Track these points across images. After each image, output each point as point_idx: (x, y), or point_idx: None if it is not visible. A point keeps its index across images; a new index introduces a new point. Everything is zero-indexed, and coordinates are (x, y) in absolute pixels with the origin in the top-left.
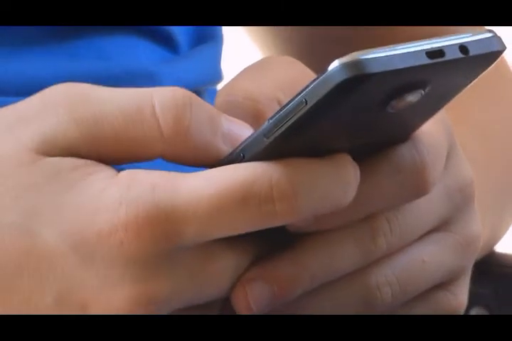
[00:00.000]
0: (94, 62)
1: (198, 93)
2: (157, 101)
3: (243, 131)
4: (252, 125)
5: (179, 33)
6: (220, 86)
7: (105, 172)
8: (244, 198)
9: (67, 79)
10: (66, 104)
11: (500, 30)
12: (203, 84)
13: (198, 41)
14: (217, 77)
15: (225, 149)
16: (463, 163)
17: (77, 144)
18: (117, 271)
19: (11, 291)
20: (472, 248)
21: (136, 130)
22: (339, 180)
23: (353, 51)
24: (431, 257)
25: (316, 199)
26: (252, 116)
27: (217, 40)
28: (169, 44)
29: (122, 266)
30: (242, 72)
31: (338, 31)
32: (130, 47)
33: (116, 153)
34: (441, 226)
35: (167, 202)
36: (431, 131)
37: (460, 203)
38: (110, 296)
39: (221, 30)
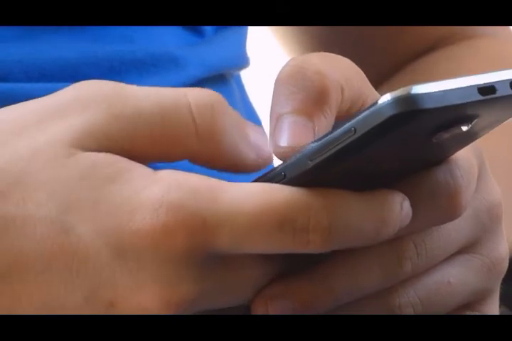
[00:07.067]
0: (119, 44)
1: (224, 78)
2: (192, 100)
3: (265, 142)
4: (313, 101)
5: None
6: (246, 71)
7: (143, 169)
8: (281, 223)
9: (92, 62)
10: (102, 99)
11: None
12: (229, 68)
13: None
14: (243, 61)
15: (252, 157)
16: (491, 184)
17: (112, 140)
18: (149, 272)
19: (38, 286)
20: (498, 269)
21: (172, 127)
22: (374, 220)
23: (369, 49)
24: (457, 279)
25: (349, 235)
26: (318, 91)
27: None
28: (194, 27)
29: (155, 267)
30: (311, 54)
31: (358, 29)
32: (155, 30)
33: (149, 150)
34: (468, 247)
35: (207, 211)
36: (462, 153)
37: (488, 224)
38: (139, 296)
39: None
